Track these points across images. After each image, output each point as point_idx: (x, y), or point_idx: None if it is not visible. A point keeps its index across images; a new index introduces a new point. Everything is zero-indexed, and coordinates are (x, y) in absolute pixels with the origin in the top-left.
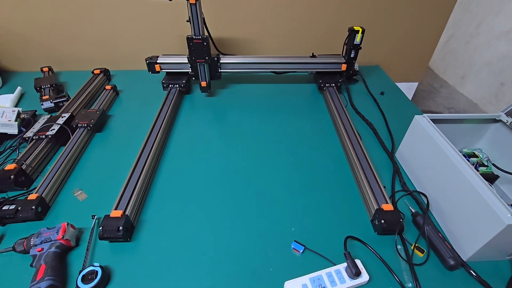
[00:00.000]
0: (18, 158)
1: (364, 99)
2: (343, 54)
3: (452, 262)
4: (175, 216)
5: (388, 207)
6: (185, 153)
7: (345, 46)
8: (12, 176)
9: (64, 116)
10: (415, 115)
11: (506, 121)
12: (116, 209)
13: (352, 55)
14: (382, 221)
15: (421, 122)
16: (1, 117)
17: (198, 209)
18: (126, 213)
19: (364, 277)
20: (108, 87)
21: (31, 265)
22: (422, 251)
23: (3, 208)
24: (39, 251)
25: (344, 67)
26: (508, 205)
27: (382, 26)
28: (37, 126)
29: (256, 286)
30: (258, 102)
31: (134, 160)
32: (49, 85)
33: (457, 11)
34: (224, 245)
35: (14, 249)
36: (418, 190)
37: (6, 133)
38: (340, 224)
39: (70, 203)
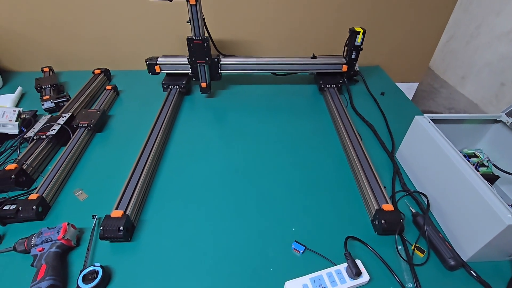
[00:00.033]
0: (18, 158)
1: (365, 99)
2: (344, 55)
3: (452, 263)
4: (175, 216)
5: (388, 207)
6: (186, 154)
7: (346, 47)
8: (12, 176)
9: (65, 116)
10: (416, 116)
11: (506, 122)
12: (116, 209)
13: (353, 56)
14: (383, 221)
15: (422, 123)
16: (2, 117)
17: (199, 209)
18: (127, 213)
19: (365, 277)
20: (108, 87)
21: (32, 265)
22: (422, 251)
23: (4, 208)
24: (40, 251)
25: (345, 68)
26: (509, 205)
27: (382, 27)
28: (37, 126)
29: (256, 286)
30: (258, 103)
31: (134, 160)
32: (49, 85)
33: (457, 12)
34: (225, 245)
35: (15, 249)
36: (418, 190)
37: (7, 133)
38: (340, 224)
39: (70, 203)
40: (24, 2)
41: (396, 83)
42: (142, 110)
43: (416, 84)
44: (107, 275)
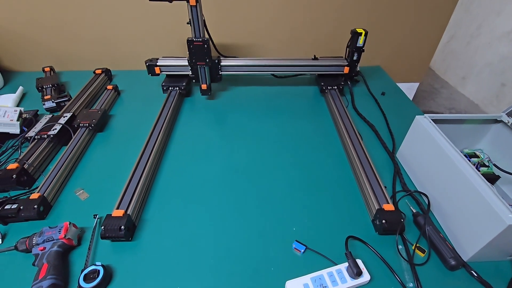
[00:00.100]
0: (20, 157)
1: (365, 99)
2: (346, 57)
3: (453, 262)
4: (176, 216)
5: (389, 207)
6: (186, 154)
7: (347, 49)
8: (14, 176)
9: (66, 116)
10: (416, 115)
11: (507, 122)
12: (117, 208)
13: (354, 58)
14: (383, 221)
15: (422, 123)
16: (3, 116)
17: (200, 209)
18: (128, 212)
19: (365, 277)
20: (109, 87)
21: (33, 264)
22: (423, 251)
23: (5, 207)
24: (41, 250)
25: (346, 69)
26: (509, 205)
27: (383, 27)
28: (39, 126)
29: (257, 285)
30: (259, 105)
31: (135, 160)
32: (50, 85)
33: (458, 12)
34: (226, 244)
35: (16, 248)
36: (419, 190)
37: (8, 133)
38: (341, 224)
39: (72, 203)
40: (25, 2)
41: (397, 83)
42: (143, 110)
43: (417, 84)
44: (108, 274)
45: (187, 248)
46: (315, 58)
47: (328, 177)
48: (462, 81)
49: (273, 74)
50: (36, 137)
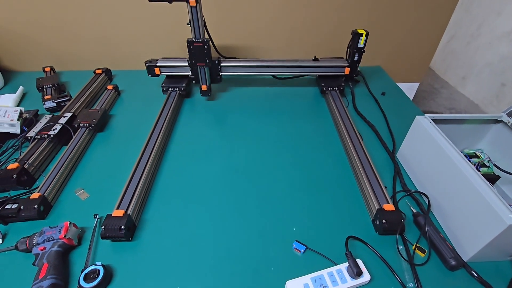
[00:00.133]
0: (20, 157)
1: (365, 99)
2: (347, 58)
3: (453, 263)
4: (176, 216)
5: (389, 207)
6: (186, 154)
7: (348, 49)
8: (14, 175)
9: (66, 116)
10: (417, 116)
11: (507, 122)
12: (118, 208)
13: (355, 59)
14: (384, 221)
15: (423, 123)
16: (4, 116)
17: (200, 209)
18: (128, 212)
19: (366, 277)
20: (109, 87)
21: (34, 264)
22: (423, 251)
23: (6, 207)
24: (42, 250)
25: (347, 70)
26: (510, 205)
27: (383, 27)
28: (39, 126)
29: (257, 285)
30: (259, 105)
31: (135, 160)
32: (51, 85)
33: (458, 12)
34: (226, 244)
35: (16, 248)
36: (419, 190)
37: (9, 133)
38: (341, 224)
39: (72, 203)
40: (25, 2)
41: (397, 83)
42: (143, 110)
43: (417, 84)
44: (109, 274)
45: (187, 248)
46: (316, 59)
47: (328, 177)
48: (462, 81)
49: (273, 76)
50: (36, 137)
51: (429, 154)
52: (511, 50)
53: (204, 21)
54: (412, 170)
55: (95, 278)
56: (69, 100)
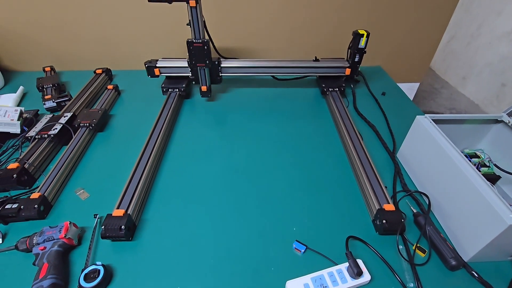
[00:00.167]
0: (20, 157)
1: (366, 99)
2: (347, 58)
3: (453, 263)
4: (176, 216)
5: (389, 207)
6: (186, 154)
7: (349, 50)
8: (14, 175)
9: (66, 116)
10: (417, 116)
11: (507, 122)
12: (118, 208)
13: (356, 59)
14: (384, 221)
15: (423, 123)
16: (4, 116)
17: (200, 209)
18: (128, 212)
19: (366, 277)
20: (110, 86)
21: (34, 264)
22: (423, 251)
23: (6, 207)
24: (42, 250)
25: (348, 71)
26: (510, 205)
27: (383, 27)
28: (39, 126)
29: (258, 285)
30: (259, 106)
31: (136, 160)
32: (51, 85)
33: (458, 12)
34: (226, 244)
35: (16, 247)
36: (419, 190)
37: (9, 132)
38: (341, 224)
39: (72, 202)
40: (25, 2)
41: (397, 84)
42: (144, 110)
43: (417, 84)
44: (109, 274)
45: (187, 248)
46: (316, 60)
47: (329, 177)
48: (462, 81)
49: (274, 77)
50: (36, 136)
51: (430, 154)
52: (511, 50)
53: (204, 21)
54: (412, 170)
55: (95, 278)
56: (69, 100)
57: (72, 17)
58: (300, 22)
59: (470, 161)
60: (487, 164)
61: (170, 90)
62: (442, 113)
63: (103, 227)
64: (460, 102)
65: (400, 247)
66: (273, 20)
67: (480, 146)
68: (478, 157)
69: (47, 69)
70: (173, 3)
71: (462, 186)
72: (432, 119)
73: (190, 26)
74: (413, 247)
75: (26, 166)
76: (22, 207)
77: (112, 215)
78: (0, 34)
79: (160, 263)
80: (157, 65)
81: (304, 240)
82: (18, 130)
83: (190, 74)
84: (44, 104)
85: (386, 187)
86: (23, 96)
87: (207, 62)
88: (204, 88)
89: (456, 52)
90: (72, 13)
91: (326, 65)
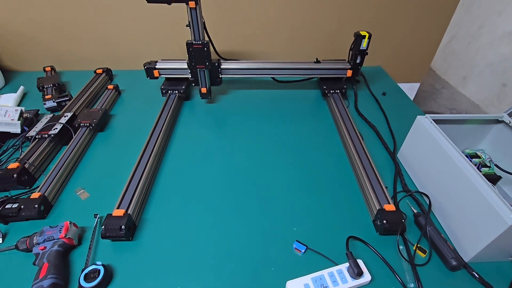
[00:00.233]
0: (21, 157)
1: (366, 100)
2: (349, 60)
3: (454, 263)
4: (176, 216)
5: (390, 207)
6: (186, 155)
7: (350, 51)
8: (15, 175)
9: (67, 116)
10: (418, 116)
11: (508, 122)
12: (118, 208)
13: (357, 61)
14: (384, 221)
15: (423, 123)
16: (4, 116)
17: (200, 209)
18: (128, 212)
19: (366, 277)
20: (110, 86)
21: (34, 264)
22: (424, 252)
23: (6, 206)
24: (42, 250)
25: (349, 73)
26: (511, 205)
27: (384, 27)
28: (39, 125)
29: (258, 285)
30: (260, 108)
31: (136, 160)
32: (51, 85)
33: (459, 12)
34: (226, 244)
35: (17, 247)
36: (420, 190)
37: (9, 132)
38: (342, 224)
39: (72, 202)
40: (26, 2)
41: (398, 84)
42: (144, 110)
43: (418, 84)
44: (109, 274)
45: (188, 248)
46: (318, 61)
47: (329, 177)
48: (463, 81)
49: (274, 79)
50: (37, 136)
51: (430, 154)
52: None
53: (204, 23)
54: (413, 170)
55: (95, 278)
56: (69, 99)
57: (73, 17)
58: (300, 23)
59: (470, 161)
60: (488, 164)
61: (169, 91)
62: (443, 113)
63: (103, 227)
64: (461, 102)
65: (401, 247)
66: (273, 21)
67: (481, 146)
68: (478, 157)
69: (48, 69)
70: (173, 4)
71: (463, 187)
72: (432, 119)
73: (190, 28)
74: (414, 248)
75: (26, 166)
76: (22, 206)
77: (112, 215)
78: (0, 34)
79: (160, 263)
80: (156, 66)
81: (305, 240)
82: (18, 130)
83: (190, 76)
84: (45, 104)
85: (386, 187)
86: (24, 96)
87: (207, 63)
88: (204, 90)
89: (456, 52)
90: (73, 13)
91: (327, 66)
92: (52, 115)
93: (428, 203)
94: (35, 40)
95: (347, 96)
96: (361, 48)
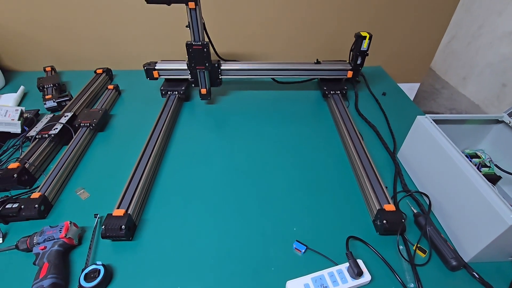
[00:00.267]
0: (21, 157)
1: (366, 100)
2: (349, 60)
3: (454, 263)
4: (177, 216)
5: (390, 207)
6: (187, 155)
7: (351, 52)
8: (15, 175)
9: (67, 116)
10: (418, 116)
11: (508, 122)
12: (118, 208)
13: (358, 62)
14: (384, 221)
15: (423, 123)
16: (5, 116)
17: (200, 209)
18: (128, 212)
19: (366, 277)
20: (110, 86)
21: (34, 263)
22: (424, 252)
23: (6, 206)
24: (42, 249)
25: (350, 74)
26: (511, 206)
27: (384, 27)
28: (40, 125)
29: (258, 285)
30: (260, 109)
31: (136, 160)
32: (52, 85)
33: (459, 12)
34: (226, 244)
35: (17, 247)
36: (420, 190)
37: (9, 132)
38: (342, 224)
39: (72, 202)
40: (26, 2)
41: (398, 84)
42: (144, 110)
43: (418, 84)
44: (109, 273)
45: (188, 248)
46: (318, 62)
47: (329, 177)
48: (463, 81)
49: (275, 80)
50: (37, 136)
51: (430, 154)
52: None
53: (204, 23)
54: (412, 170)
55: (95, 278)
56: (69, 99)
57: (73, 17)
58: (300, 23)
59: (470, 161)
60: (488, 164)
61: (169, 92)
62: (443, 113)
63: (103, 227)
64: (461, 103)
65: (401, 247)
66: (273, 21)
67: (481, 147)
68: (478, 157)
69: (48, 69)
70: (173, 4)
71: (463, 187)
72: (432, 119)
73: (190, 28)
74: (414, 248)
75: (26, 165)
76: (22, 206)
77: (113, 215)
78: (0, 34)
79: (160, 263)
80: (156, 67)
81: (305, 240)
82: (18, 130)
83: (190, 77)
84: (45, 104)
85: (386, 187)
86: (24, 96)
87: (207, 64)
88: (203, 91)
89: (456, 52)
90: (73, 13)
91: (327, 67)
92: (52, 115)
93: (428, 203)
94: (35, 40)
95: (348, 96)
96: (361, 49)
